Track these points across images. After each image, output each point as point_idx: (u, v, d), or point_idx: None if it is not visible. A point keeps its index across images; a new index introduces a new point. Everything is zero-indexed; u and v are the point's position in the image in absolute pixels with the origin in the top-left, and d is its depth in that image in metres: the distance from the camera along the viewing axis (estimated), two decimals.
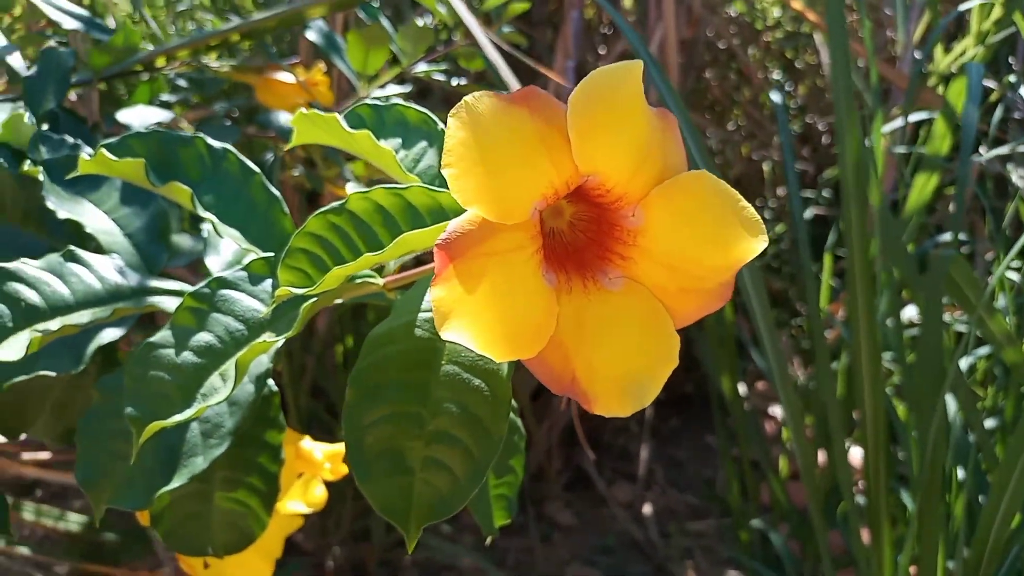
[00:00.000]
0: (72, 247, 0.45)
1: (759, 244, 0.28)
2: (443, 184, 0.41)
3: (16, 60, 0.72)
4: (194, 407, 0.35)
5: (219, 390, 0.35)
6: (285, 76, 0.80)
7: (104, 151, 0.43)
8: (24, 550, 1.40)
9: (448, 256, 0.27)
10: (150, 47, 0.77)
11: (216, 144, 0.46)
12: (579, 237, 0.31)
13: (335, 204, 0.36)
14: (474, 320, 0.27)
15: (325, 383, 1.44)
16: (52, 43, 0.77)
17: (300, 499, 0.52)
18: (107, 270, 0.45)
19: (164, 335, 0.37)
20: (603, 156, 0.28)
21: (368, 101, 0.44)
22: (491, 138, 0.27)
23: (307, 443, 0.52)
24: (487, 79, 1.04)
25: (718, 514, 1.57)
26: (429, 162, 0.41)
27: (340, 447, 0.52)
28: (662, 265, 0.29)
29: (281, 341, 0.36)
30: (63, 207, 0.49)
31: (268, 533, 0.49)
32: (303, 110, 0.40)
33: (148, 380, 0.36)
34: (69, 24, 0.75)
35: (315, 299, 0.36)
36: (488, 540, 0.45)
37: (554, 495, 1.68)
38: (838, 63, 0.74)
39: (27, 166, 0.52)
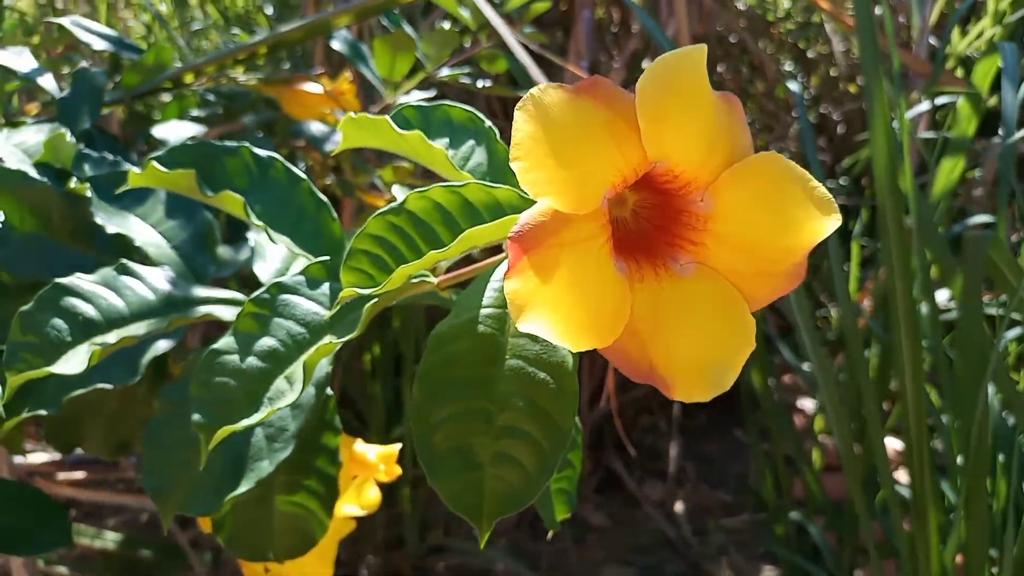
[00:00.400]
0: (124, 260, 0.46)
1: (832, 223, 0.28)
2: (494, 180, 0.41)
3: (49, 82, 0.73)
4: (262, 411, 0.35)
5: (285, 393, 0.35)
6: (312, 86, 0.80)
7: (155, 163, 0.43)
8: (63, 569, 1.41)
9: (522, 248, 0.27)
10: (177, 64, 0.78)
11: (262, 153, 0.47)
12: (643, 225, 0.31)
13: (393, 204, 0.36)
14: (551, 310, 0.27)
15: (353, 391, 1.45)
16: (84, 64, 0.78)
17: (354, 502, 0.52)
18: (159, 281, 0.46)
19: (227, 341, 0.37)
20: (673, 142, 0.28)
21: (413, 103, 0.44)
22: (560, 129, 0.27)
23: (360, 445, 0.52)
24: (508, 80, 1.04)
25: (751, 509, 1.56)
26: (478, 160, 0.42)
27: (394, 449, 0.52)
28: (734, 249, 0.29)
29: (342, 343, 0.37)
30: (112, 222, 0.49)
31: (324, 536, 0.49)
32: (352, 114, 0.40)
33: (214, 386, 0.36)
34: (99, 45, 0.76)
35: (376, 299, 0.36)
36: (549, 534, 0.45)
37: (585, 497, 1.68)
38: (867, 50, 0.73)
39: (73, 184, 0.52)
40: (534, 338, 0.37)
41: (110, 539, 1.54)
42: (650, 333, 0.28)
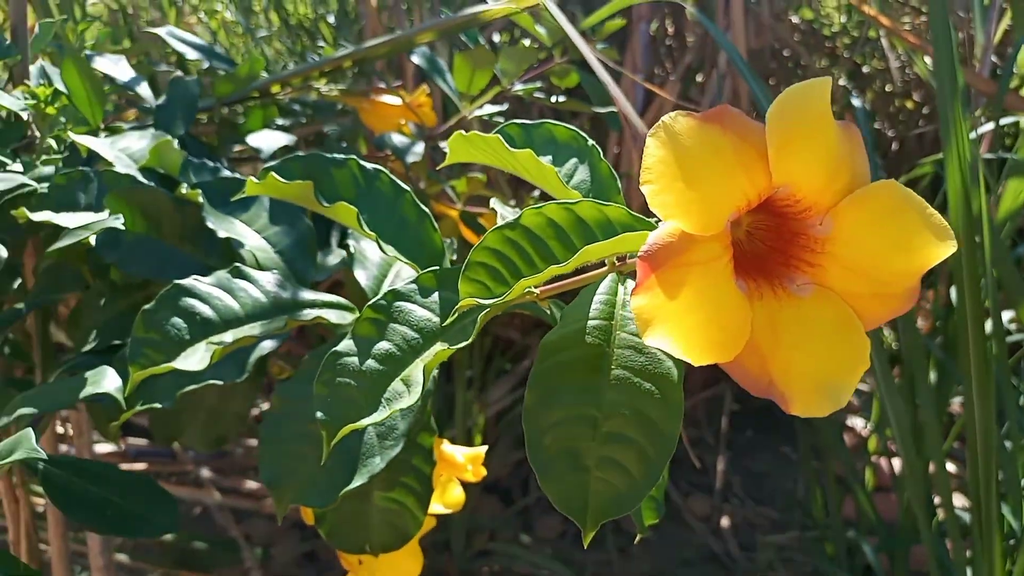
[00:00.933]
0: (237, 264, 0.48)
1: (948, 248, 0.29)
2: (598, 197, 0.43)
3: (145, 90, 0.77)
4: (381, 411, 0.37)
5: (402, 395, 0.37)
6: (391, 98, 0.83)
7: (273, 174, 0.46)
8: (123, 557, 1.46)
9: (651, 266, 0.29)
10: (264, 75, 0.81)
11: (368, 165, 0.49)
12: (759, 246, 0.33)
13: (510, 220, 0.38)
14: (676, 326, 0.29)
15: None
16: (179, 73, 0.81)
17: (439, 500, 0.54)
18: (270, 284, 0.48)
19: (348, 344, 0.39)
20: (799, 168, 0.30)
21: (516, 121, 0.46)
22: (689, 155, 0.29)
23: (448, 446, 0.54)
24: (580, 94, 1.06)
25: (799, 527, 1.56)
26: (582, 177, 0.43)
27: (481, 451, 0.54)
28: (851, 271, 0.30)
29: (455, 349, 0.38)
30: (222, 227, 0.52)
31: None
32: (462, 132, 0.42)
33: (336, 386, 0.38)
34: (192, 55, 0.80)
35: (489, 308, 0.38)
36: (637, 538, 0.46)
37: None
38: (944, 71, 0.74)
39: (184, 190, 0.55)
40: (640, 350, 0.38)
41: None
42: (770, 350, 0.30)
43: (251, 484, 1.51)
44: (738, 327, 0.29)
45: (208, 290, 0.47)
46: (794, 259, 0.32)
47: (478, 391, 1.55)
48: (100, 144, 0.59)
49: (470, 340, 0.38)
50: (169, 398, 0.48)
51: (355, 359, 0.39)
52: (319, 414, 0.38)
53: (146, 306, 0.45)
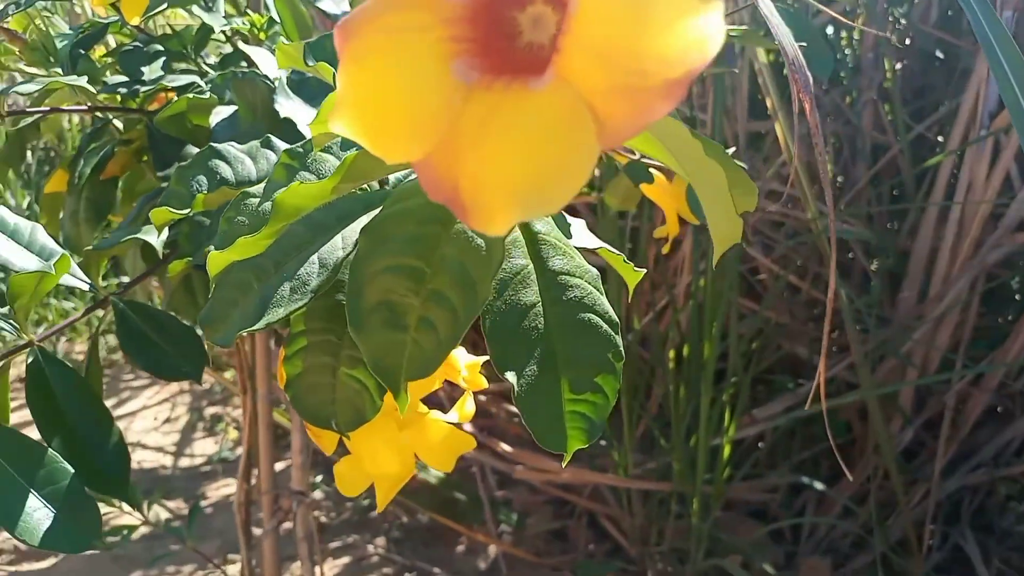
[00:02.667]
0: (270, 135, 0.51)
1: (714, 25, 0.19)
2: None
3: None
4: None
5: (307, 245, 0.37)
6: None
7: None
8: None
9: (343, 36, 0.24)
10: None
11: None
12: (544, 49, 0.25)
13: None
14: (360, 109, 0.23)
15: None
16: None
17: (458, 411, 0.51)
18: None
19: (259, 188, 0.39)
20: None
21: None
22: None
23: (459, 352, 0.50)
24: None
25: None
26: None
27: (479, 360, 0.50)
28: (591, 56, 0.21)
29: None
30: (285, 106, 0.55)
31: (420, 436, 0.49)
32: None
33: (235, 225, 0.39)
34: None
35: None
36: (564, 463, 0.38)
37: (917, 573, 1.39)
38: None
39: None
40: None
41: (431, 473, 1.72)
42: (468, 148, 0.22)
43: (505, 447, 1.58)
44: (434, 118, 0.23)
45: (237, 155, 0.50)
46: (544, 48, 0.23)
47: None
48: (255, 51, 0.67)
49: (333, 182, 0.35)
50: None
51: (257, 200, 0.39)
52: (213, 248, 0.38)
53: (182, 163, 0.50)
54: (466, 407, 0.52)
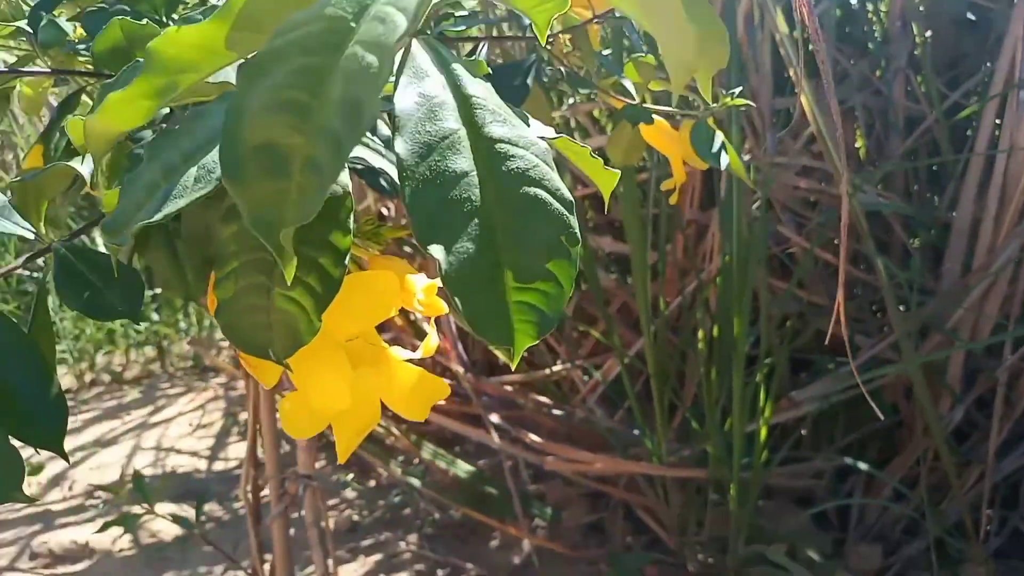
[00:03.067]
0: None
1: None
2: None
3: None
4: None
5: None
6: None
7: None
8: (415, 481, 1.59)
9: None
10: None
11: None
12: None
13: None
14: None
15: None
16: None
17: (423, 348, 0.48)
18: None
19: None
20: None
21: None
22: None
23: (417, 276, 0.47)
24: None
25: None
26: None
27: (435, 282, 0.46)
28: None
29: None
30: None
31: (385, 379, 0.45)
32: None
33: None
34: None
35: None
36: (513, 364, 0.35)
37: (976, 559, 1.30)
38: None
39: None
40: (382, 20, 0.29)
41: (462, 468, 1.68)
42: None
43: (534, 438, 1.53)
44: None
45: None
46: None
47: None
48: None
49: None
50: None
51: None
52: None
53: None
54: (431, 341, 0.48)
